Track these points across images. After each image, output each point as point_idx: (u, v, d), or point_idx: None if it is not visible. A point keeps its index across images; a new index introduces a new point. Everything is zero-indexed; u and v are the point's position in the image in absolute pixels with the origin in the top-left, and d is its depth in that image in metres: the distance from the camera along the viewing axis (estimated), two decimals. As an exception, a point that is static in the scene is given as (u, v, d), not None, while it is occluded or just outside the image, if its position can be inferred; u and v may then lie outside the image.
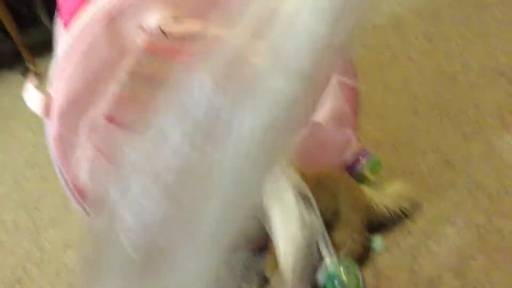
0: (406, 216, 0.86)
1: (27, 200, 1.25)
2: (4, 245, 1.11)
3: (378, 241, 0.84)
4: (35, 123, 1.50)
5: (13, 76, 2.22)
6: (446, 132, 1.04)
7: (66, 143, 0.71)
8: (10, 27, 2.05)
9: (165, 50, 1.15)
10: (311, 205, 0.73)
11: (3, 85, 2.14)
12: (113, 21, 0.68)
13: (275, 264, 0.76)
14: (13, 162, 1.46)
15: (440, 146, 1.01)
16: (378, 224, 0.86)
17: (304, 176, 0.76)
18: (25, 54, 2.12)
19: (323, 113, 0.85)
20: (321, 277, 0.77)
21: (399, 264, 0.81)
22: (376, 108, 1.18)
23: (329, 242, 0.75)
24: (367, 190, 0.85)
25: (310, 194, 0.74)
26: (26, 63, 2.12)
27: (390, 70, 1.32)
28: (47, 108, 0.70)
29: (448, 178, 0.94)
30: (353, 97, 0.87)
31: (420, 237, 0.84)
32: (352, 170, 0.92)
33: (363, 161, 0.92)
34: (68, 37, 0.69)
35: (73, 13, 0.71)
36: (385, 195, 0.85)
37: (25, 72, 2.12)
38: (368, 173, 0.92)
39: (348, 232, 0.80)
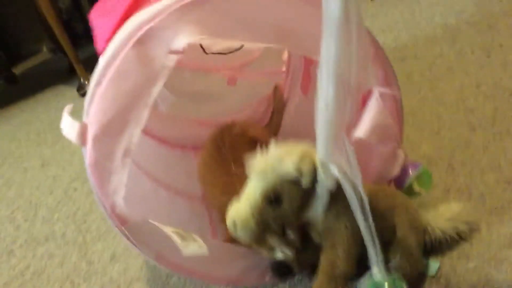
0: (464, 240, 0.81)
1: (76, 213, 1.28)
2: (53, 258, 1.13)
3: (433, 265, 0.79)
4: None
5: (68, 91, 2.31)
6: (507, 149, 0.98)
7: (102, 169, 0.71)
8: (66, 44, 2.13)
9: (203, 66, 1.15)
10: (365, 210, 0.69)
11: (59, 100, 2.22)
12: (141, 45, 0.68)
13: (324, 285, 0.73)
14: (64, 175, 1.50)
15: (500, 165, 0.95)
16: (432, 247, 0.81)
17: None
18: (79, 70, 2.19)
19: (364, 128, 0.82)
20: (363, 285, 0.73)
21: (456, 291, 0.76)
22: (430, 124, 1.13)
23: (379, 250, 0.71)
24: (423, 210, 0.80)
25: (366, 201, 0.69)
26: (81, 79, 2.19)
27: (445, 83, 1.26)
28: (82, 136, 0.71)
29: (509, 198, 0.88)
30: (395, 107, 0.83)
31: (479, 262, 0.79)
32: (399, 183, 0.87)
33: (412, 173, 0.86)
34: (100, 64, 0.70)
35: (107, 41, 0.72)
36: (441, 217, 0.80)
37: (79, 87, 2.19)
38: (416, 187, 0.87)
39: (402, 253, 0.76)
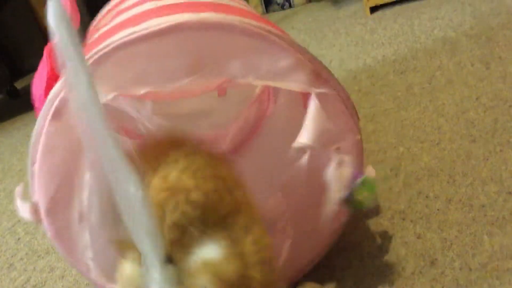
0: None
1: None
2: (54, 271, 1.13)
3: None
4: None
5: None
6: (507, 161, 0.98)
7: (65, 238, 0.73)
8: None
9: (184, 94, 1.12)
10: None
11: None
12: (60, 117, 0.67)
13: None
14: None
15: (501, 176, 0.95)
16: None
17: None
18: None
19: (307, 133, 0.74)
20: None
21: (458, 303, 0.76)
22: (430, 135, 1.13)
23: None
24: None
25: None
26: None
27: (445, 96, 1.27)
28: (36, 214, 0.72)
29: (510, 209, 0.88)
30: (343, 105, 0.75)
31: (481, 274, 0.78)
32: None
33: (356, 183, 0.76)
34: (30, 142, 0.71)
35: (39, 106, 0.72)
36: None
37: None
38: (361, 197, 0.76)
39: None
